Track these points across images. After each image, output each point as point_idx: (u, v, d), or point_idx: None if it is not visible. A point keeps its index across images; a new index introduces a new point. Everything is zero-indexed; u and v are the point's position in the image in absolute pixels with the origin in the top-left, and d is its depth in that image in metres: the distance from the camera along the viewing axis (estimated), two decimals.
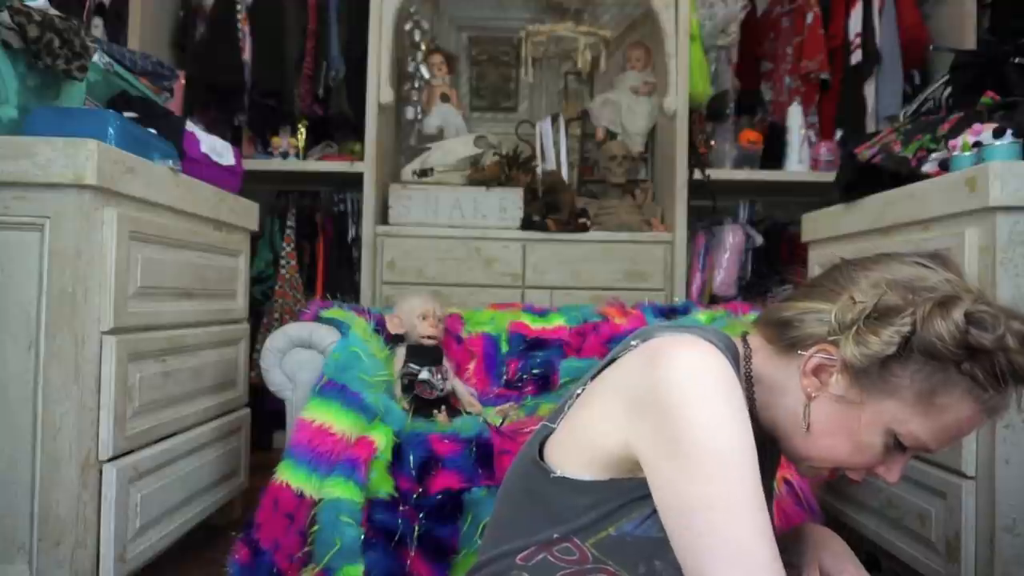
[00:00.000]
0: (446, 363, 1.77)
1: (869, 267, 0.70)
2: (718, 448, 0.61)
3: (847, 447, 0.69)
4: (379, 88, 2.55)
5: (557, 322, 2.02)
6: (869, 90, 2.70)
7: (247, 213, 1.95)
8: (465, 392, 1.78)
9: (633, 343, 0.74)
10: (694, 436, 0.62)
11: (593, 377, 0.78)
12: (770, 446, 0.82)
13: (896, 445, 0.67)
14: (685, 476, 0.62)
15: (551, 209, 2.58)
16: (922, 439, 0.65)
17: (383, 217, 2.61)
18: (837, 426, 0.68)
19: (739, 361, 0.75)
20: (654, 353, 0.68)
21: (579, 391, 0.79)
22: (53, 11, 1.39)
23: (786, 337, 0.72)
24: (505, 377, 1.93)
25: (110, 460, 1.32)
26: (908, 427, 0.65)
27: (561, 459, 0.75)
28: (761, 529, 0.59)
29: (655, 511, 0.66)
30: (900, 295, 0.65)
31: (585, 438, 0.73)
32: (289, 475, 1.35)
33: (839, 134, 2.73)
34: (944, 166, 1.49)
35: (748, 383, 0.74)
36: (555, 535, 0.72)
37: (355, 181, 2.62)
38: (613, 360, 0.76)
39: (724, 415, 0.62)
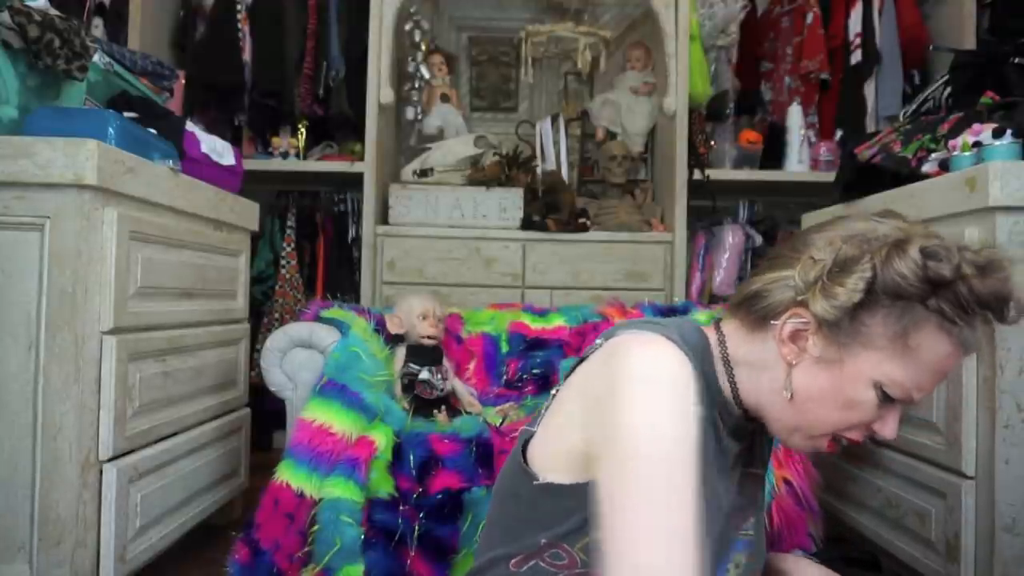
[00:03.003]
0: (446, 363, 1.77)
1: (823, 229, 0.71)
2: (650, 446, 0.61)
3: (836, 409, 0.68)
4: (379, 88, 2.55)
5: (557, 322, 2.02)
6: (869, 90, 2.70)
7: (247, 213, 1.95)
8: (465, 392, 1.78)
9: (599, 342, 0.75)
10: (630, 433, 0.62)
11: (567, 377, 0.79)
12: (759, 437, 0.82)
13: (884, 398, 0.67)
14: (616, 468, 0.62)
15: (551, 209, 2.58)
16: (906, 385, 0.66)
17: (383, 217, 2.61)
18: (822, 389, 0.68)
19: (708, 352, 0.75)
20: (611, 351, 0.69)
21: (554, 391, 0.79)
22: (53, 11, 1.39)
23: (756, 310, 0.72)
24: (505, 377, 1.93)
25: (110, 460, 1.32)
26: (890, 375, 0.65)
27: (543, 463, 0.75)
28: (673, 531, 0.58)
29: None
30: (856, 246, 0.66)
31: (558, 440, 0.73)
32: (289, 475, 1.35)
33: (839, 134, 2.73)
34: (944, 166, 1.49)
35: (727, 367, 0.74)
36: (543, 540, 0.72)
37: (355, 181, 2.62)
38: (584, 360, 0.76)
39: (666, 415, 0.62)
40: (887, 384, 0.66)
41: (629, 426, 0.62)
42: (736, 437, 0.76)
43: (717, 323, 0.78)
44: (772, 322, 0.70)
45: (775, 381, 0.71)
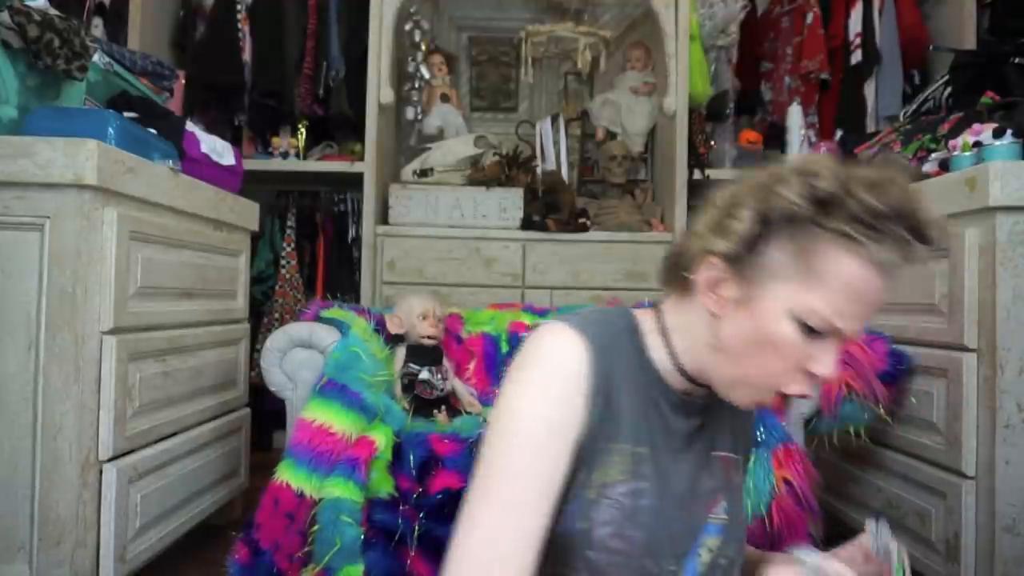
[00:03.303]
0: (446, 363, 1.76)
1: (724, 186, 0.74)
2: (509, 424, 0.67)
3: (763, 352, 0.67)
4: (379, 88, 2.55)
5: None
6: (869, 90, 2.70)
7: (247, 213, 1.95)
8: (465, 392, 1.78)
9: (523, 336, 0.77)
10: (499, 409, 0.69)
11: None
12: (721, 414, 0.81)
13: (807, 330, 0.65)
14: (484, 441, 0.68)
15: (551, 209, 2.58)
16: (823, 312, 0.64)
17: (383, 217, 2.61)
18: (746, 333, 0.68)
19: (637, 334, 0.76)
20: (524, 344, 0.73)
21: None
22: (53, 11, 1.39)
23: (676, 268, 0.75)
24: None
25: (110, 460, 1.32)
26: (802, 303, 0.65)
27: None
28: (508, 501, 0.65)
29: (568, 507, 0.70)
30: (745, 189, 0.69)
31: None
32: (289, 475, 1.35)
33: (839, 134, 2.72)
34: (944, 166, 1.49)
35: (664, 338, 0.75)
36: None
37: (355, 181, 2.62)
38: None
39: (532, 397, 0.68)
40: (802, 313, 0.65)
41: (500, 402, 0.70)
42: (685, 415, 0.76)
43: (656, 304, 0.80)
44: (691, 277, 0.72)
45: (708, 338, 0.72)
